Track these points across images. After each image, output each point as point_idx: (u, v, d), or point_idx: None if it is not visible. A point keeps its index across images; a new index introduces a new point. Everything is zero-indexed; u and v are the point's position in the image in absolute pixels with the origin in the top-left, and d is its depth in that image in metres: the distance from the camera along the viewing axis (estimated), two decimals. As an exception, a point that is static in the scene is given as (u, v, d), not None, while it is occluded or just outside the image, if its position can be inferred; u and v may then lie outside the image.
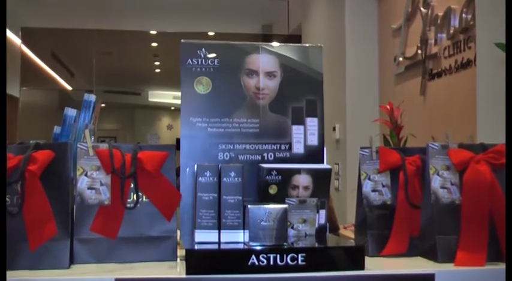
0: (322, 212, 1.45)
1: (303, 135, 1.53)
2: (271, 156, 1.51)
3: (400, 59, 3.83)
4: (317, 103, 1.54)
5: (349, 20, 4.33)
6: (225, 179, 1.37)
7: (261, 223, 1.29)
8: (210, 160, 1.46)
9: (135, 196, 1.36)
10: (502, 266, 1.31)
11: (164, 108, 9.55)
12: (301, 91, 1.54)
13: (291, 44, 1.57)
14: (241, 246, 1.32)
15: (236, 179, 1.37)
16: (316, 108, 1.54)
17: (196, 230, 1.36)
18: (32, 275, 1.23)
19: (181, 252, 1.34)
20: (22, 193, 1.26)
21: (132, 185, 1.35)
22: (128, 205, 1.35)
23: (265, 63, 1.53)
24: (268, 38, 7.41)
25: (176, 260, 1.36)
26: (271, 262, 1.23)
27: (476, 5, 2.65)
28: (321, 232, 1.44)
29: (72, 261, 1.31)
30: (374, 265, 1.31)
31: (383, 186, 1.50)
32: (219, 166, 1.38)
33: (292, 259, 1.24)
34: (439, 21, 3.31)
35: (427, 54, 3.46)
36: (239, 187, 1.37)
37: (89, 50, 7.76)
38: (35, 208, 1.27)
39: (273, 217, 1.29)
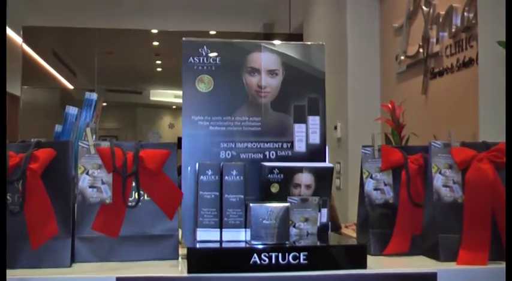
0: (324, 211, 1.45)
1: (305, 133, 1.52)
2: (273, 154, 1.51)
3: (402, 57, 3.82)
4: (319, 101, 1.54)
5: (351, 19, 4.32)
6: (226, 177, 1.36)
7: (263, 221, 1.28)
8: (212, 159, 1.46)
9: (136, 194, 1.35)
10: (505, 265, 1.30)
11: (166, 107, 9.54)
12: (303, 89, 1.53)
13: (293, 42, 1.57)
14: (243, 245, 1.32)
15: (238, 177, 1.36)
16: (318, 107, 1.54)
17: (198, 229, 1.36)
18: (33, 274, 1.23)
19: (182, 251, 1.34)
20: (23, 192, 1.26)
21: (133, 184, 1.35)
22: (130, 204, 1.35)
23: (267, 62, 1.52)
24: (269, 36, 7.40)
25: (178, 259, 1.35)
26: (273, 261, 1.23)
27: (478, 3, 2.64)
28: (322, 231, 1.44)
29: (73, 260, 1.31)
30: (376, 264, 1.31)
31: (385, 184, 1.50)
32: (221, 164, 1.38)
33: (294, 258, 1.23)
34: (440, 19, 3.30)
35: (428, 53, 3.45)
36: (241, 186, 1.36)
37: (91, 49, 7.75)
38: (36, 206, 1.26)
39: (274, 215, 1.29)
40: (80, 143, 1.36)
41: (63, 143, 1.36)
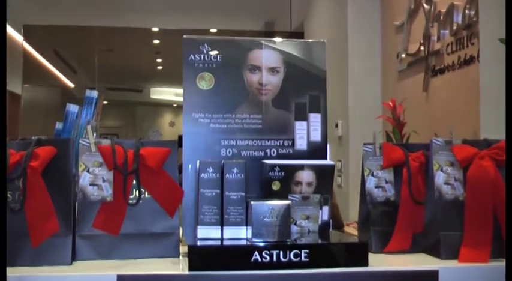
0: (325, 209, 1.45)
1: (306, 131, 1.52)
2: (274, 152, 1.50)
3: (403, 55, 3.82)
4: (320, 99, 1.54)
5: (352, 16, 4.32)
6: (227, 175, 1.36)
7: (264, 219, 1.28)
8: (213, 156, 1.45)
9: (137, 192, 1.35)
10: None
11: (166, 106, 9.53)
12: (304, 87, 1.53)
13: (294, 40, 1.57)
14: (244, 242, 1.31)
15: (239, 175, 1.36)
16: (319, 104, 1.53)
17: (198, 227, 1.35)
18: (34, 271, 1.23)
19: (183, 248, 1.34)
20: (24, 189, 1.26)
21: (134, 182, 1.35)
22: (130, 201, 1.35)
23: (268, 59, 1.52)
24: (270, 35, 7.39)
25: (179, 256, 1.35)
26: (274, 259, 1.22)
27: (480, 1, 2.64)
28: (324, 229, 1.44)
29: (74, 257, 1.31)
30: (377, 262, 1.31)
31: (386, 182, 1.49)
32: (222, 162, 1.37)
33: (295, 256, 1.23)
34: (442, 17, 3.29)
35: (430, 50, 3.44)
36: (242, 183, 1.36)
37: (91, 47, 7.75)
38: (37, 204, 1.26)
39: (275, 213, 1.29)
40: (80, 141, 1.35)
41: (63, 140, 1.35)
